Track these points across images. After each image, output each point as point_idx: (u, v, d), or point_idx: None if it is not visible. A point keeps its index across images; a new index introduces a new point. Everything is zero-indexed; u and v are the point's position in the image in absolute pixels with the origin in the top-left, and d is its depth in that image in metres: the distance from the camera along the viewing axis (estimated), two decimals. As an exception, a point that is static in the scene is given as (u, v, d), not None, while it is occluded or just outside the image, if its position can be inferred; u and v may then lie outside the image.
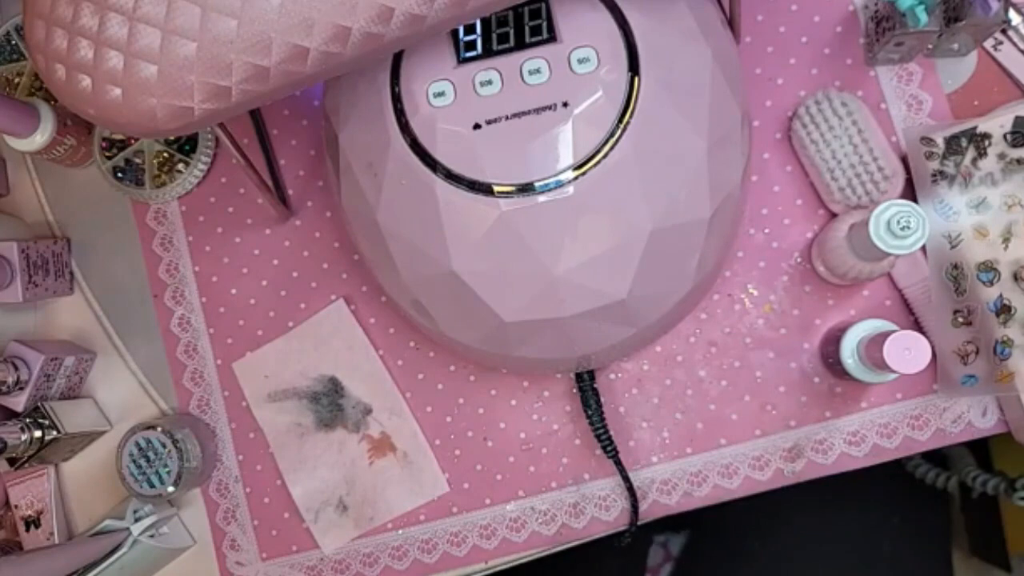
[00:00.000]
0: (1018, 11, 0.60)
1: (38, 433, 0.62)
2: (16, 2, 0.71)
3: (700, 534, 0.98)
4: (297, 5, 0.38)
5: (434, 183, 0.46)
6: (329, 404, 0.65)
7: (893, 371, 0.52)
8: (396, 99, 0.47)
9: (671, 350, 0.62)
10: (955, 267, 0.57)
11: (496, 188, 0.45)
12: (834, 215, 0.61)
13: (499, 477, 0.63)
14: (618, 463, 0.60)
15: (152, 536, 0.63)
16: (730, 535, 0.92)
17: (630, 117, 0.45)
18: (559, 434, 0.63)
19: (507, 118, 0.45)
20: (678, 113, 0.47)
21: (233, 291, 0.66)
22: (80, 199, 0.70)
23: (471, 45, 0.46)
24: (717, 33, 0.51)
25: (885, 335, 0.51)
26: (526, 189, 0.45)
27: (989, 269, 0.56)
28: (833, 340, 0.58)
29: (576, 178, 0.45)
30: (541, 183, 0.45)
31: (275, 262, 0.66)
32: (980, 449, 0.94)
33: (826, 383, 0.61)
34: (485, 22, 0.46)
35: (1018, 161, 0.56)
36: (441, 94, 0.46)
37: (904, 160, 0.59)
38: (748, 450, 0.61)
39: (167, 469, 0.61)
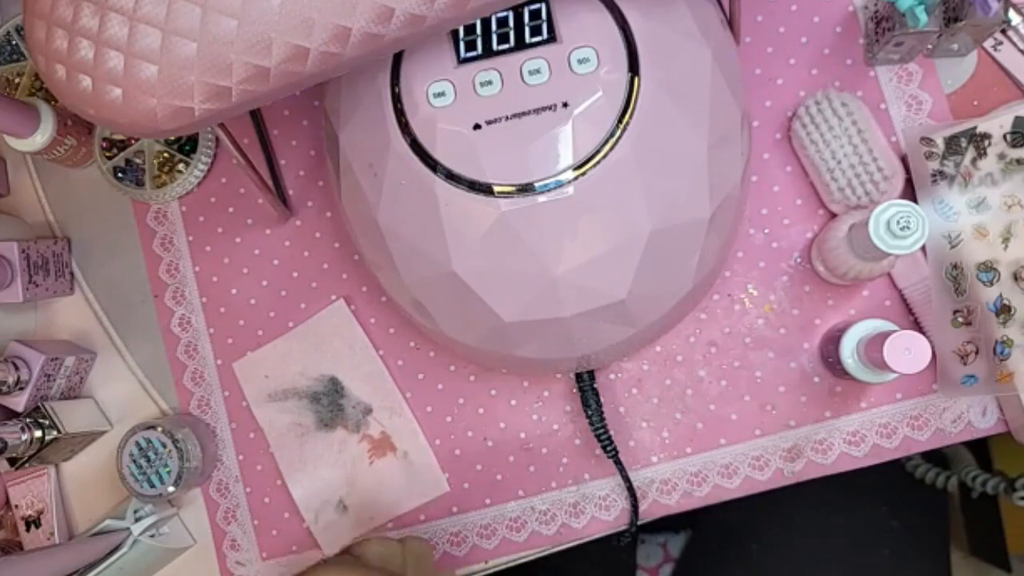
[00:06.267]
0: (1018, 11, 0.60)
1: (38, 433, 0.62)
2: (16, 2, 0.71)
3: (700, 534, 0.98)
4: (297, 5, 0.38)
5: (434, 183, 0.46)
6: (329, 404, 0.65)
7: (893, 371, 0.52)
8: (396, 99, 0.47)
9: (671, 350, 0.62)
10: (955, 267, 0.57)
11: (496, 188, 0.45)
12: (834, 215, 0.61)
13: (499, 477, 0.63)
14: (618, 463, 0.60)
15: (152, 536, 0.63)
16: (730, 535, 0.92)
17: (630, 117, 0.45)
18: (559, 434, 0.63)
19: (507, 118, 0.45)
20: (678, 113, 0.47)
21: (233, 291, 0.67)
22: (80, 199, 0.70)
23: (471, 45, 0.46)
24: (717, 33, 0.51)
25: (885, 335, 0.51)
26: (526, 189, 0.45)
27: (989, 269, 0.56)
28: (833, 340, 0.58)
29: (576, 178, 0.45)
30: (541, 183, 0.45)
31: (275, 262, 0.66)
32: (980, 449, 0.94)
33: (826, 383, 0.61)
34: (485, 22, 0.46)
35: (1018, 161, 0.56)
36: (441, 94, 0.46)
37: (904, 160, 0.59)
38: (748, 450, 0.61)
39: (167, 469, 0.61)
